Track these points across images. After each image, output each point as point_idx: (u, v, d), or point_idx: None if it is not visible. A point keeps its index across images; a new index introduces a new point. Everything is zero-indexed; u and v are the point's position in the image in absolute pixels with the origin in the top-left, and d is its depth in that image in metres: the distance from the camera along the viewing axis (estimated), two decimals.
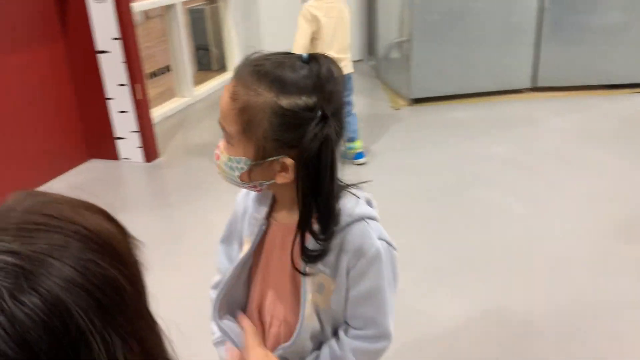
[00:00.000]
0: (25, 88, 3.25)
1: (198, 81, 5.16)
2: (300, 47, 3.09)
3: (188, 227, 2.88)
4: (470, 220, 2.76)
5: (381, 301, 0.89)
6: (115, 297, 0.42)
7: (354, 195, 0.88)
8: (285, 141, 0.78)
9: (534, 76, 4.60)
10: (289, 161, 0.79)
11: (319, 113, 0.76)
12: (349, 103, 3.25)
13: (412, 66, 4.45)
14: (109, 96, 3.52)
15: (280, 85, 0.76)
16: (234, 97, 0.79)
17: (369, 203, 0.91)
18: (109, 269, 0.42)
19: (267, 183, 0.84)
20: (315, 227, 0.83)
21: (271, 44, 5.98)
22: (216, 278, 1.05)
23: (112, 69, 3.44)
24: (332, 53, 3.13)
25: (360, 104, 4.91)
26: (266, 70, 0.78)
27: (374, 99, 4.90)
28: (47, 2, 3.33)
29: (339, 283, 0.88)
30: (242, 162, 0.82)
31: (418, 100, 4.56)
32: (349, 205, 0.86)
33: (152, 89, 4.72)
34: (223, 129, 0.83)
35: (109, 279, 0.42)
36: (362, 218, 0.86)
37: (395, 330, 0.93)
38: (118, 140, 3.64)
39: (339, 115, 0.80)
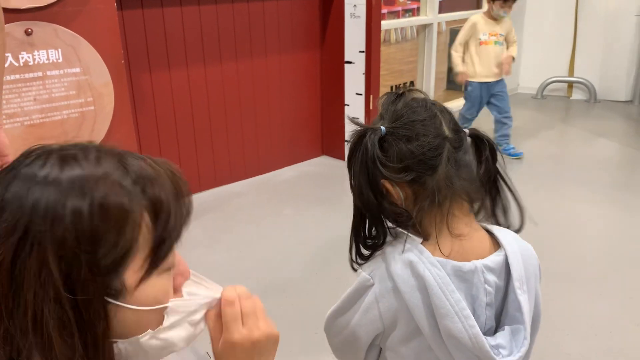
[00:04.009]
0: (283, 84, 3.83)
1: (442, 99, 5.28)
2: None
3: None
4: None
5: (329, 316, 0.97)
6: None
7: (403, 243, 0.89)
8: None
9: None
10: None
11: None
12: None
13: None
14: (347, 102, 3.91)
15: None
16: None
17: (410, 263, 0.87)
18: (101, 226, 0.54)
19: None
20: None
21: (526, 70, 5.74)
22: None
23: (354, 79, 3.81)
24: None
25: (611, 147, 4.44)
26: None
27: (627, 145, 4.38)
28: (314, 15, 3.85)
29: None
30: None
31: None
32: (394, 245, 0.90)
33: None
34: None
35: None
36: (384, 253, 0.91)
37: None
38: (347, 143, 4.00)
39: (395, 135, 0.86)
